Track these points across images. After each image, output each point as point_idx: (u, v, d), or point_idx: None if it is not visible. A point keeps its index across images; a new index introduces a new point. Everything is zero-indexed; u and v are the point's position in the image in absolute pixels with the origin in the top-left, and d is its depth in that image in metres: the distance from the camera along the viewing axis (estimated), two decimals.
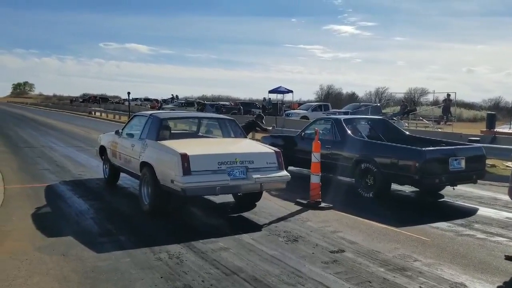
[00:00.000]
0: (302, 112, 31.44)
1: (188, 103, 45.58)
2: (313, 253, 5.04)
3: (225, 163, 6.03)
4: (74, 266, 4.45)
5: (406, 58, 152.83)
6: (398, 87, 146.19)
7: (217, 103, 45.70)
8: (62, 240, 5.23)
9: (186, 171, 5.77)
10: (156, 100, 59.64)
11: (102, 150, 8.99)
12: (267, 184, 6.40)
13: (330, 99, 65.21)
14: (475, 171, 8.01)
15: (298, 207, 7.20)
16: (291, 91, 33.44)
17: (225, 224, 6.19)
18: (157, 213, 6.37)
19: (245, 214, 6.73)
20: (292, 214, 6.78)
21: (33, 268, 4.36)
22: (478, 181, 8.29)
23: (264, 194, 8.14)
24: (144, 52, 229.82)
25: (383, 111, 32.48)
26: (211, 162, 6.01)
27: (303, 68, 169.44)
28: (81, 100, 75.82)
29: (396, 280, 4.32)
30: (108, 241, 5.25)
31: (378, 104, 36.69)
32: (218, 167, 5.99)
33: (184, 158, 5.80)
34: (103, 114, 41.83)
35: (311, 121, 11.52)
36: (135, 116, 8.57)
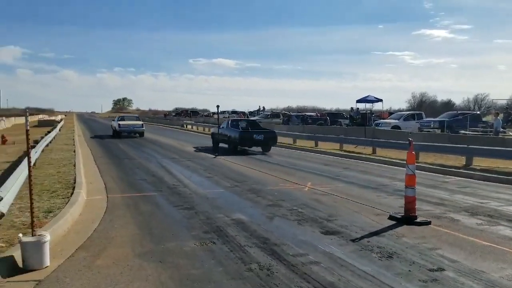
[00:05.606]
0: (393, 121, 30.14)
1: (273, 115, 45.96)
2: (409, 270, 4.77)
3: None
4: (170, 273, 4.62)
5: (508, 61, 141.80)
6: (499, 93, 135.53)
7: (303, 114, 45.54)
8: (159, 248, 5.48)
9: None
10: (243, 113, 60.95)
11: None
12: None
13: (424, 107, 62.18)
14: None
15: (392, 222, 6.89)
16: (381, 100, 32.32)
17: (316, 238, 6.09)
18: None
19: (336, 228, 6.57)
20: (385, 229, 6.49)
21: (134, 274, 4.60)
22: None
23: (355, 207, 7.94)
24: (231, 66, 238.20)
25: (484, 119, 30.16)
26: None
27: (393, 75, 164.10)
28: (174, 114, 79.90)
29: None
30: (201, 250, 5.39)
31: (478, 112, 34.32)
32: None
33: None
34: (193, 127, 43.66)
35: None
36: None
